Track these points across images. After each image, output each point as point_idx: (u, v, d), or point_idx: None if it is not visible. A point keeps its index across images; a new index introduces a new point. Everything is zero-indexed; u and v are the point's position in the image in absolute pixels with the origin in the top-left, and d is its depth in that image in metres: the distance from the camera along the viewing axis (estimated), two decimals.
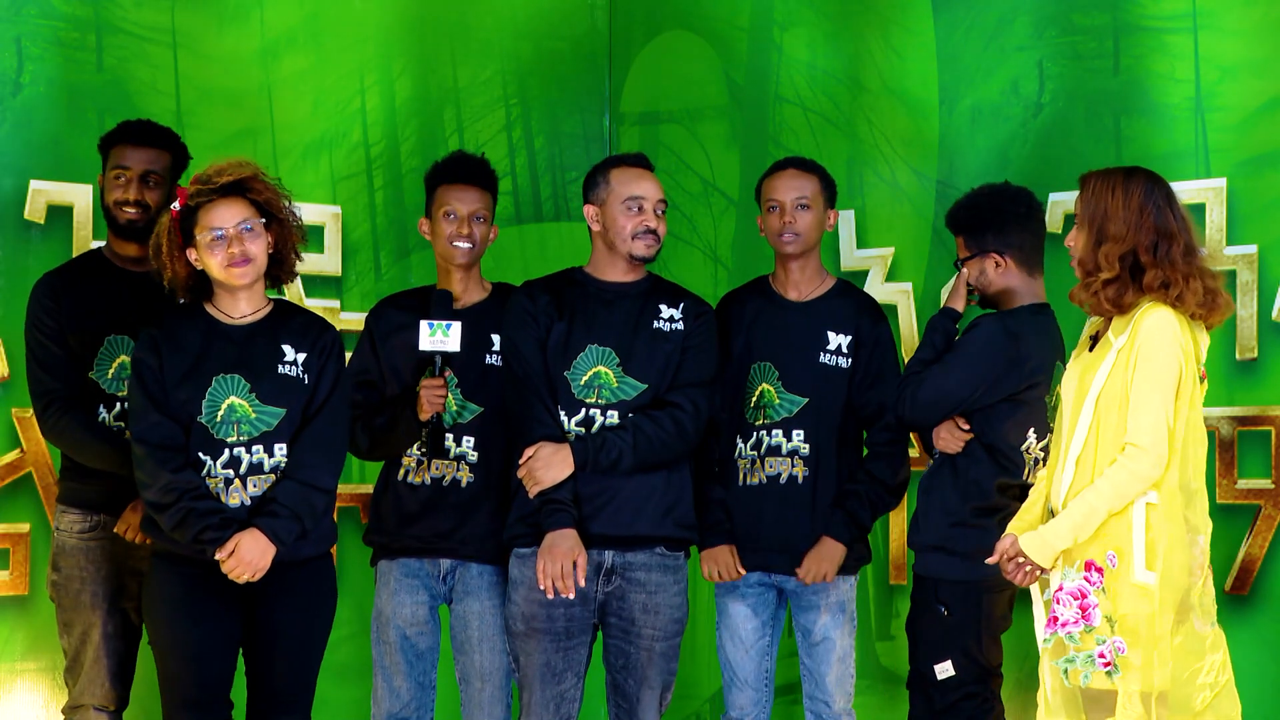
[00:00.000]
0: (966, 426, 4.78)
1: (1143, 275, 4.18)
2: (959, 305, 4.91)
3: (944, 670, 4.75)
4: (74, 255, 5.39)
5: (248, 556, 4.41)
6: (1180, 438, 4.13)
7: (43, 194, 5.54)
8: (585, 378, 4.76)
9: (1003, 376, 4.74)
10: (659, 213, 4.83)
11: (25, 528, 5.48)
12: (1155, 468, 4.10)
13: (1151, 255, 4.17)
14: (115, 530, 4.78)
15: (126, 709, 4.95)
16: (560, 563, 4.62)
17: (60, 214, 5.57)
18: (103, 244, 5.06)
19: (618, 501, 4.71)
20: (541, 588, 4.64)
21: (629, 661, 4.75)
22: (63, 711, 4.96)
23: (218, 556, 4.40)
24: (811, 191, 5.01)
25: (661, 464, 4.74)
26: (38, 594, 5.43)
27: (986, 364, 4.75)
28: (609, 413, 4.74)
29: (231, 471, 4.48)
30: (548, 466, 4.67)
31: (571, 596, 4.65)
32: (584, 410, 4.75)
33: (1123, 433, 4.13)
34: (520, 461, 4.71)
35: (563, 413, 4.74)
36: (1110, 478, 4.12)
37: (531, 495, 4.69)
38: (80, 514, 4.89)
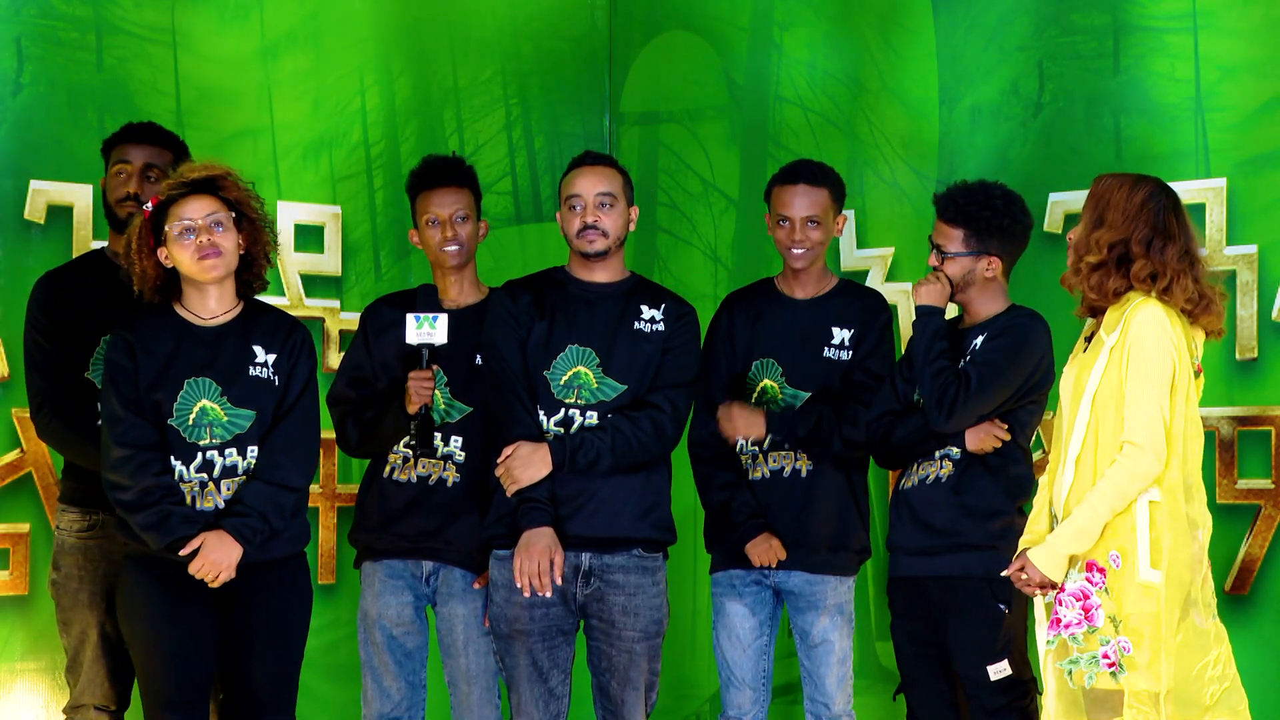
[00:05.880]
0: (1005, 427, 4.76)
1: (1130, 265, 4.16)
2: (942, 302, 4.85)
3: (1000, 670, 4.65)
4: (74, 255, 5.39)
5: (214, 555, 4.40)
6: (1178, 433, 4.13)
7: (43, 194, 5.53)
8: (565, 378, 4.74)
9: (1044, 379, 4.76)
10: (602, 205, 4.77)
11: (25, 528, 5.48)
12: (1154, 464, 4.09)
13: (1144, 248, 4.16)
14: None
15: (127, 709, 4.95)
16: (537, 560, 4.62)
17: (60, 214, 5.57)
18: (104, 244, 5.06)
19: (595, 503, 4.70)
20: (518, 586, 4.64)
21: (611, 664, 4.74)
22: (64, 711, 4.96)
23: (182, 553, 4.39)
24: (822, 208, 4.97)
25: (639, 465, 4.72)
26: (38, 594, 5.43)
27: (1032, 367, 4.74)
28: (588, 413, 4.72)
29: (205, 475, 4.47)
30: (526, 465, 4.66)
31: (548, 595, 4.65)
32: (563, 410, 4.73)
33: (1120, 431, 4.12)
34: (498, 460, 4.70)
35: (542, 412, 4.73)
36: (1111, 478, 4.11)
37: (509, 494, 4.68)
38: (80, 513, 4.88)
